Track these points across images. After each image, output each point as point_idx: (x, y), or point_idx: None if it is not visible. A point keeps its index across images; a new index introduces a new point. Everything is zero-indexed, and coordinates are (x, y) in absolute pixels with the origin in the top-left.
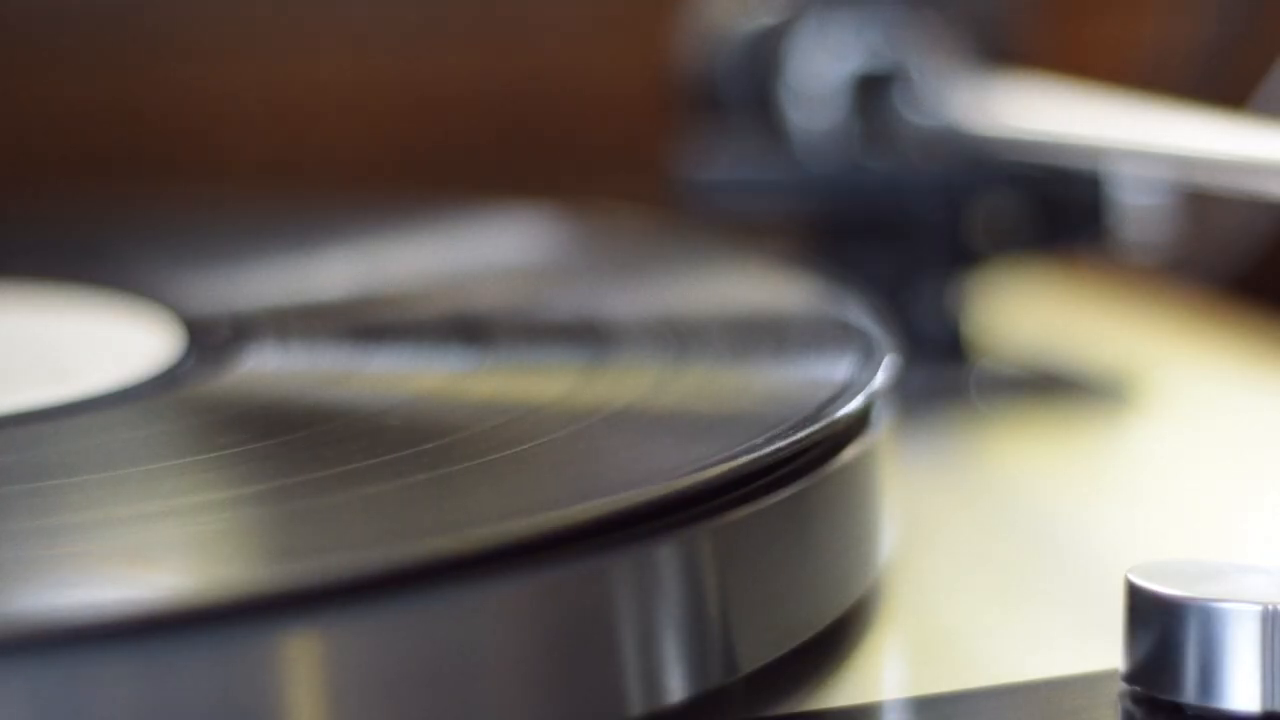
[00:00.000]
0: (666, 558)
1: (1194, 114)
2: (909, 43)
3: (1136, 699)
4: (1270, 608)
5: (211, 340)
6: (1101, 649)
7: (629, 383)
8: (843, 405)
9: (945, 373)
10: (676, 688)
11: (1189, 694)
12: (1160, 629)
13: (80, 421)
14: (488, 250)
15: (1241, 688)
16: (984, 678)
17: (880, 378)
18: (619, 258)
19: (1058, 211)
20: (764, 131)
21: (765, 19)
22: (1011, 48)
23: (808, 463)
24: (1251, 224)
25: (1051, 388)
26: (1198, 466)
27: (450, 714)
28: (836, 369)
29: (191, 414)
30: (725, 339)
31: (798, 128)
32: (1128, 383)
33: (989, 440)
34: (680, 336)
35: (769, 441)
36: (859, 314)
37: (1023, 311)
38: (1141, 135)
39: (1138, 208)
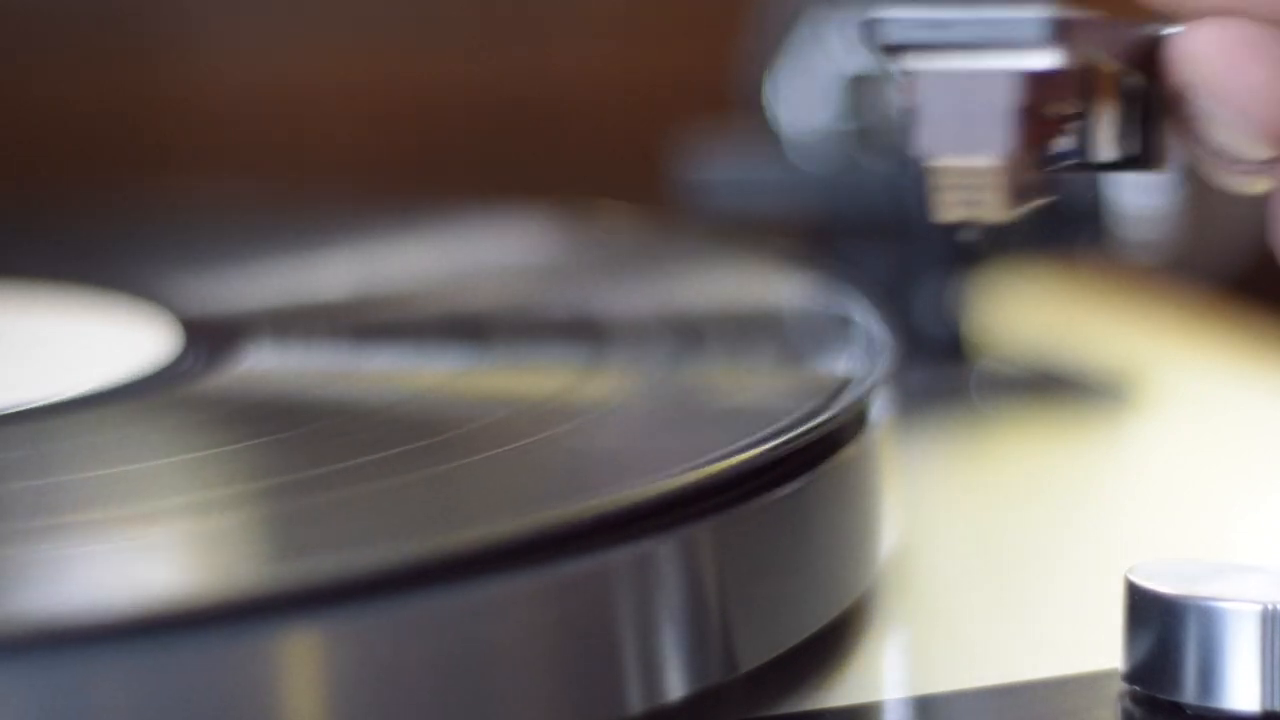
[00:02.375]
0: (665, 555)
1: None
2: None
3: (1136, 699)
4: (1270, 608)
5: (210, 340)
6: (1101, 649)
7: (628, 380)
8: (841, 403)
9: (945, 373)
10: (676, 685)
11: (1189, 694)
12: (1160, 629)
13: (80, 420)
14: (486, 250)
15: (1241, 687)
16: (984, 678)
17: (879, 375)
18: (618, 257)
19: (1058, 211)
20: (764, 131)
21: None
22: None
23: (807, 460)
24: (1251, 224)
25: (1051, 388)
26: (1198, 466)
27: (449, 712)
28: (835, 367)
29: (190, 413)
30: (724, 338)
31: (795, 128)
32: (1128, 383)
33: (989, 440)
34: (679, 335)
35: (768, 439)
36: (858, 312)
37: (1023, 311)
38: None
39: (1138, 208)
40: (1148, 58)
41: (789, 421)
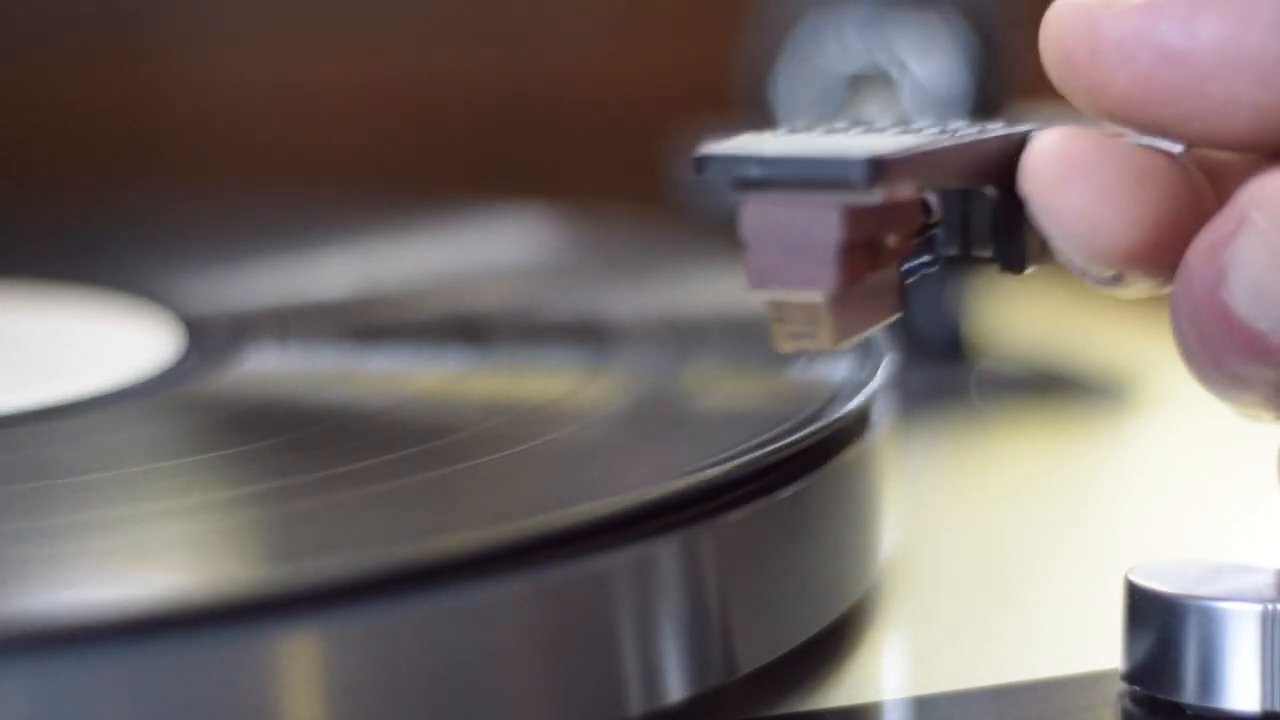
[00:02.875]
0: (666, 557)
1: None
2: (904, 42)
3: (1136, 699)
4: (1270, 608)
5: (211, 340)
6: (1101, 649)
7: (628, 383)
8: (842, 405)
9: (945, 373)
10: (676, 687)
11: (1189, 694)
12: (1160, 629)
13: (80, 421)
14: (487, 250)
15: (1241, 688)
16: (984, 678)
17: (879, 378)
18: (619, 258)
19: None
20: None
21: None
22: (1005, 46)
23: (807, 462)
24: None
25: (1051, 388)
26: (1198, 466)
27: (449, 714)
28: (835, 369)
29: (191, 414)
30: (725, 339)
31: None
32: (1128, 383)
33: (989, 440)
34: (680, 336)
35: (768, 442)
36: None
37: (1023, 311)
38: None
39: None
40: (1006, 164)
41: (789, 427)
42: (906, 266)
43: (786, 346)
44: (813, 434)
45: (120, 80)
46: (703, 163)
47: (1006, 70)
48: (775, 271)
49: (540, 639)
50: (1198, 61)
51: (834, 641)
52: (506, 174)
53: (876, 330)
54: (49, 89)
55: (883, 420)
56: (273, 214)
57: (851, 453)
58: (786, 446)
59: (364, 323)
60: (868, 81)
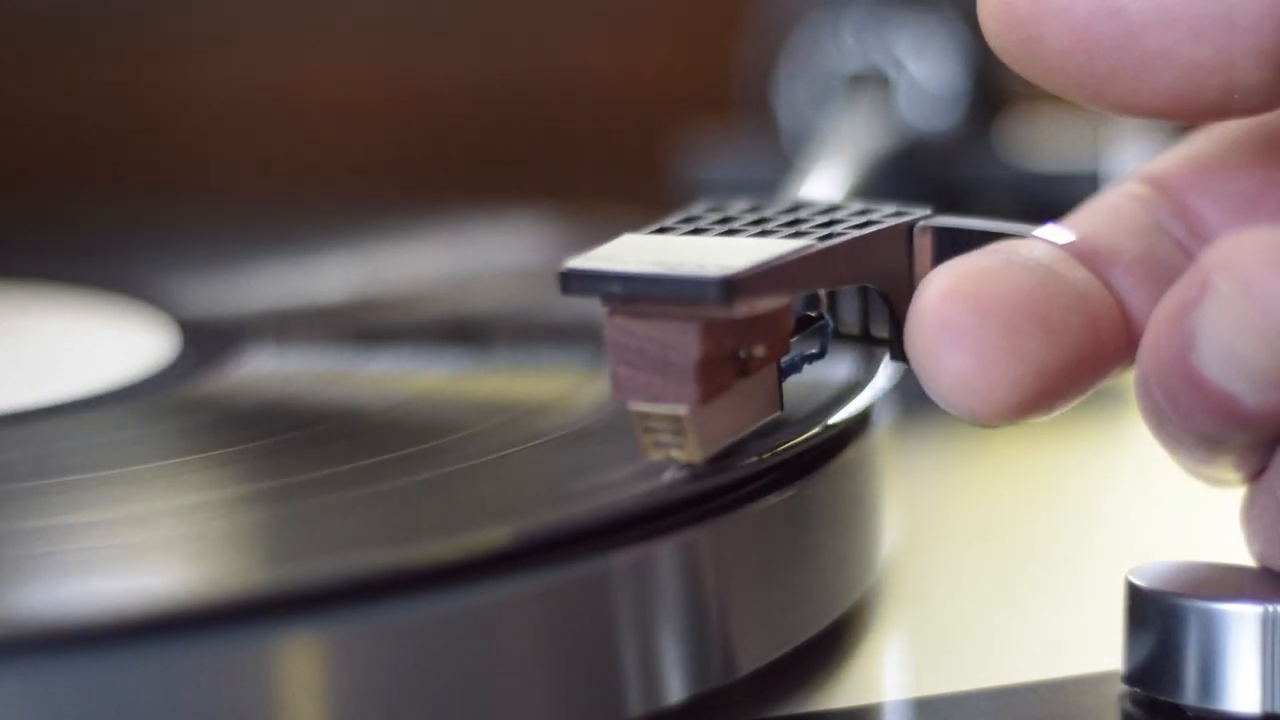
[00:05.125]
0: (666, 558)
1: None
2: (902, 43)
3: (1136, 700)
4: (1270, 609)
5: (210, 342)
6: (1101, 649)
7: None
8: (843, 407)
9: None
10: (676, 688)
11: (1189, 695)
12: (1160, 630)
13: (80, 421)
14: (486, 252)
15: (1241, 689)
16: (984, 678)
17: (881, 379)
18: None
19: (1058, 212)
20: (764, 131)
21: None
22: None
23: (808, 463)
24: None
25: None
26: None
27: (449, 715)
28: (837, 370)
29: (190, 414)
30: None
31: (794, 128)
32: (1128, 383)
33: (989, 440)
34: None
35: (769, 443)
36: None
37: None
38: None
39: None
40: (886, 258)
41: (789, 427)
42: (788, 361)
43: (654, 455)
44: (813, 436)
45: (121, 80)
46: (566, 279)
47: (1003, 70)
48: (638, 385)
49: (540, 639)
50: (1135, 12)
51: (834, 642)
52: (506, 174)
53: (753, 429)
54: (49, 89)
55: (883, 420)
56: (273, 215)
57: (851, 453)
58: (786, 448)
59: (363, 324)
60: (868, 81)
